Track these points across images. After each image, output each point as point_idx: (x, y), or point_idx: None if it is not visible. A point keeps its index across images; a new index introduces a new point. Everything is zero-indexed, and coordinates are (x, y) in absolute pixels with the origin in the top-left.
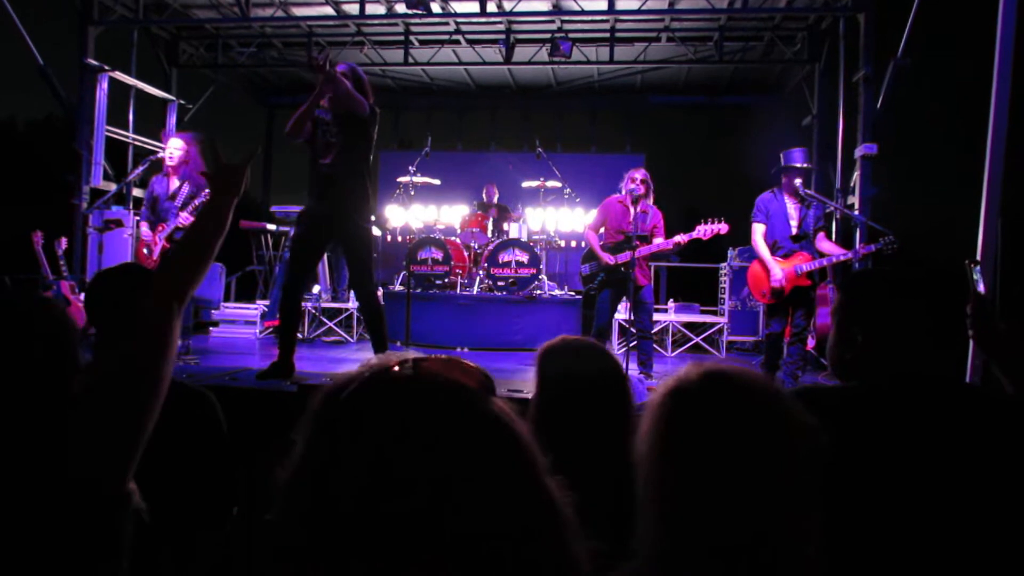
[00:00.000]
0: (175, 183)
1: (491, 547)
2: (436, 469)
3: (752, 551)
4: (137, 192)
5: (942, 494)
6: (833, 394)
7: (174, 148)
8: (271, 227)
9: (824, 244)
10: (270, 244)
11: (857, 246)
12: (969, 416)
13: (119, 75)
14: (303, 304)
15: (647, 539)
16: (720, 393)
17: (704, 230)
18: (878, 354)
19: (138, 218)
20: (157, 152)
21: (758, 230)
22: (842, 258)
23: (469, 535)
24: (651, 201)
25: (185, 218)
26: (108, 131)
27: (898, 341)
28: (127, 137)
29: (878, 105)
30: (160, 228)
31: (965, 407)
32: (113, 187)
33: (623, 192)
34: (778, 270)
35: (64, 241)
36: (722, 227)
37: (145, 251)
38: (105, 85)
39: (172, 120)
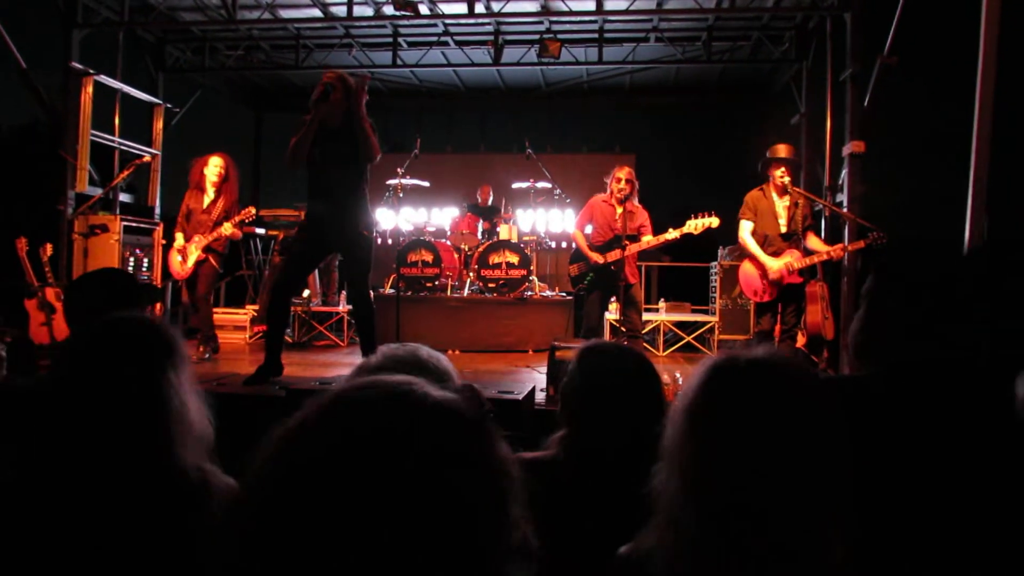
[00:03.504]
0: (209, 197)
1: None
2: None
3: (763, 522)
4: (124, 197)
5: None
6: (854, 384)
7: (215, 166)
8: (260, 231)
9: (812, 242)
10: (259, 248)
11: (846, 242)
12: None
13: (104, 79)
14: (292, 308)
15: (668, 504)
16: (762, 375)
17: (695, 225)
18: (900, 338)
19: (178, 233)
20: (142, 156)
21: (745, 227)
22: (831, 255)
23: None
24: (636, 200)
25: (226, 233)
26: (94, 135)
27: (921, 325)
28: (113, 141)
29: (865, 103)
30: (194, 239)
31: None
32: (99, 192)
33: (608, 191)
34: (773, 262)
35: (49, 247)
36: (712, 220)
37: (179, 258)
38: (90, 89)
39: (159, 124)
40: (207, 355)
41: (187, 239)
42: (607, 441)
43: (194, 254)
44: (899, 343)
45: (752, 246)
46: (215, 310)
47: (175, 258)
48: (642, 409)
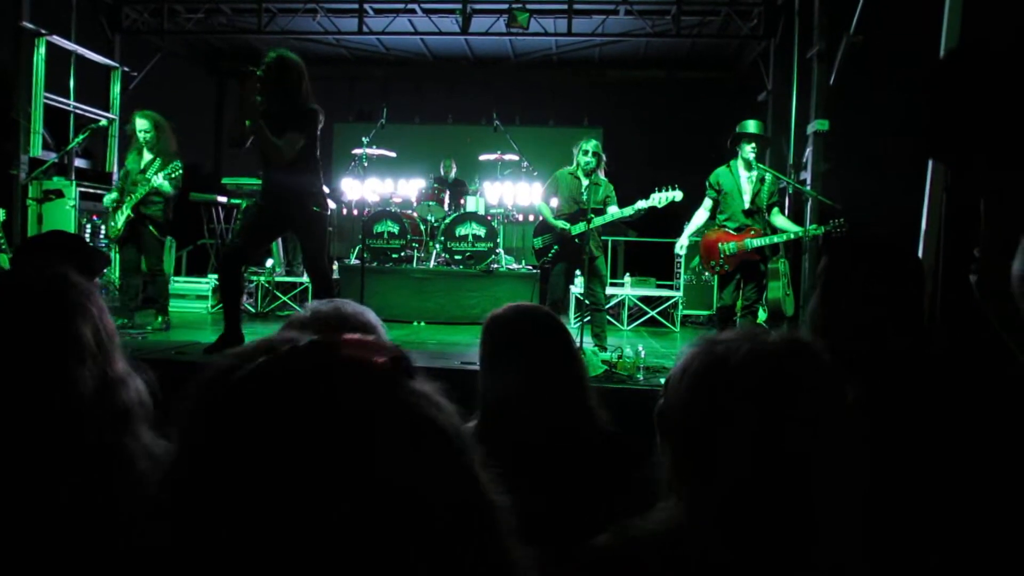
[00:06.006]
0: (147, 156)
1: (408, 548)
2: (338, 465)
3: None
4: (79, 162)
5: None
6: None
7: (141, 129)
8: (222, 199)
9: (778, 219)
10: (221, 216)
11: (807, 225)
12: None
13: (58, 40)
14: (253, 277)
15: (683, 489)
16: (782, 360)
17: (659, 198)
18: (855, 319)
19: (109, 194)
20: (98, 120)
21: (703, 205)
22: (793, 236)
23: (383, 537)
24: (603, 173)
25: (155, 184)
26: (47, 98)
27: (875, 307)
28: (67, 105)
29: (831, 81)
30: (125, 198)
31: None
32: (53, 156)
33: (574, 163)
34: (685, 240)
35: (2, 213)
36: (676, 194)
37: (112, 223)
38: (43, 50)
39: (116, 88)
40: (164, 326)
41: (121, 198)
42: (517, 401)
43: (125, 212)
44: (853, 324)
45: (695, 222)
46: (176, 279)
47: (110, 221)
48: (550, 364)
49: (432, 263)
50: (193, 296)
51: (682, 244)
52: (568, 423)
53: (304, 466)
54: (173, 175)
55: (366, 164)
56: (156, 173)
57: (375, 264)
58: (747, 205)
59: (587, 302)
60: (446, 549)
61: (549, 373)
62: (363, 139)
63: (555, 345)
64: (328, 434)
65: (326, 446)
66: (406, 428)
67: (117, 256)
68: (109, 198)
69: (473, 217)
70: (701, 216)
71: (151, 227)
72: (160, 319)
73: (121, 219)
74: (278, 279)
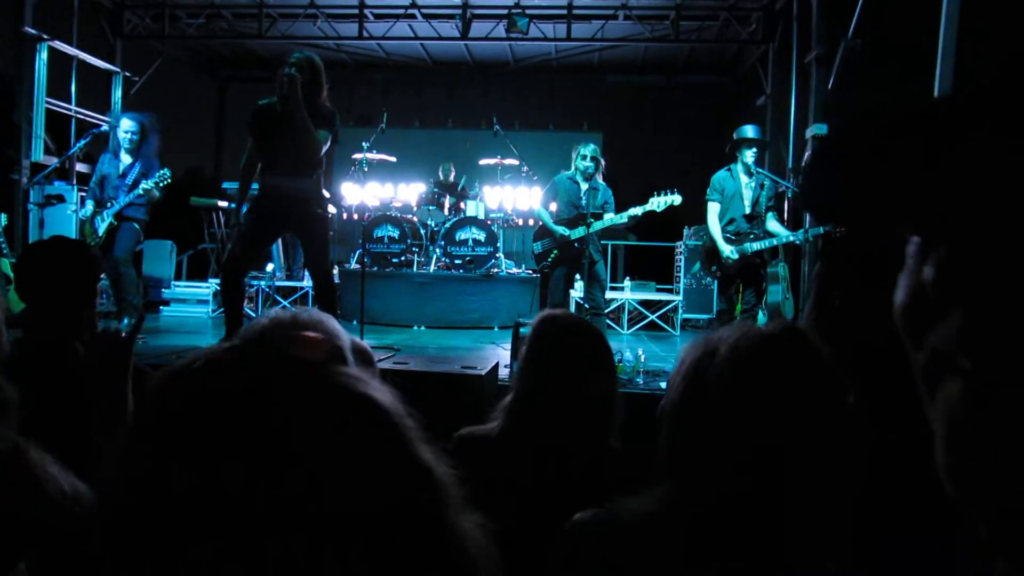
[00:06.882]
0: (126, 161)
1: (351, 527)
2: (275, 457)
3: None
4: (80, 167)
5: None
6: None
7: (127, 131)
8: (223, 204)
9: (771, 224)
10: (222, 221)
11: (807, 226)
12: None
13: (59, 45)
14: (253, 282)
15: (674, 471)
16: (779, 350)
17: (657, 202)
18: (851, 319)
19: (83, 194)
20: (100, 125)
21: (712, 209)
22: (791, 239)
23: (331, 516)
24: (601, 178)
25: (147, 189)
26: (49, 103)
27: (868, 308)
28: (69, 110)
29: (829, 86)
30: (108, 206)
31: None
32: (54, 161)
33: (573, 168)
34: (727, 248)
35: (3, 217)
36: (675, 198)
37: (88, 229)
38: (44, 55)
39: (117, 93)
40: (130, 325)
41: (100, 205)
42: (550, 405)
43: (106, 221)
44: (845, 326)
45: (714, 229)
46: (176, 283)
47: (87, 228)
48: (591, 379)
49: (432, 267)
50: (194, 301)
51: (728, 253)
52: (584, 435)
53: (232, 455)
54: (161, 184)
55: (366, 168)
56: (138, 179)
57: (375, 268)
58: (748, 210)
59: (587, 306)
60: (384, 525)
61: (579, 383)
62: (363, 143)
63: (593, 359)
64: (254, 424)
65: (252, 434)
66: (335, 408)
67: None
68: (87, 213)
69: (473, 221)
70: (715, 221)
71: (136, 222)
72: (127, 321)
73: (102, 227)
74: (278, 283)
